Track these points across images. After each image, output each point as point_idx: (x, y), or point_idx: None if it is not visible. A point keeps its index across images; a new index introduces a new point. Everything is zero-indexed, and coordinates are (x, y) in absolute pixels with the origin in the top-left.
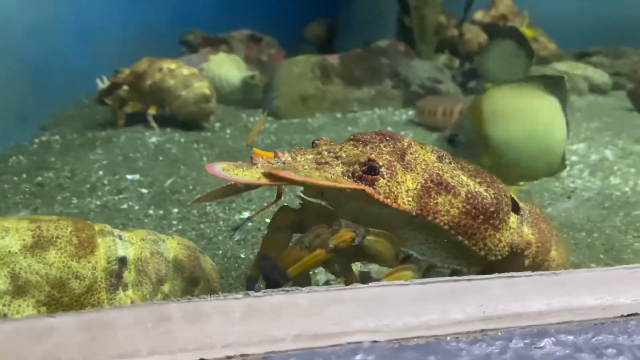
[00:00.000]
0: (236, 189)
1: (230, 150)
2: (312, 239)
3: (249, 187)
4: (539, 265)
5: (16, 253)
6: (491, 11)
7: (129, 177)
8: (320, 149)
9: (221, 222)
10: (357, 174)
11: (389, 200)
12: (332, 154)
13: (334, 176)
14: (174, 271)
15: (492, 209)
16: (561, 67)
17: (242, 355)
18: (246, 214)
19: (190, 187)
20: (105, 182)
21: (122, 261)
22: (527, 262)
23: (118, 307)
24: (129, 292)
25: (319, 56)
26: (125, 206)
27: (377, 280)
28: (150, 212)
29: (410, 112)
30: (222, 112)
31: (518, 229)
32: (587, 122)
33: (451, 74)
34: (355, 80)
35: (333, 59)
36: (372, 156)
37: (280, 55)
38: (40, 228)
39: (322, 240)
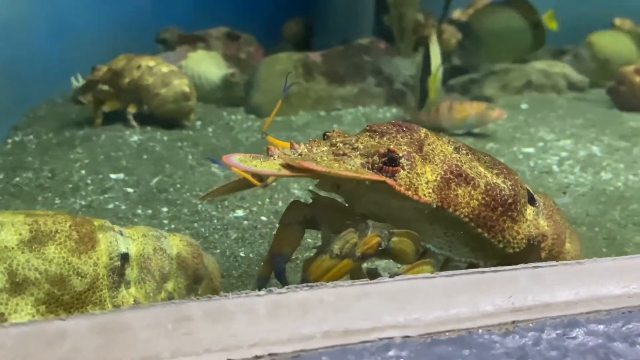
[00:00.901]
0: (248, 183)
1: (215, 148)
2: (342, 246)
3: (261, 179)
4: (554, 257)
5: (13, 248)
6: (469, 10)
7: (113, 176)
8: (334, 140)
9: (215, 221)
10: (376, 165)
11: (410, 192)
12: (348, 145)
13: (354, 167)
14: (177, 268)
15: (510, 200)
16: (539, 65)
17: (270, 354)
18: (239, 212)
19: (178, 185)
20: (89, 181)
21: (124, 257)
22: (543, 254)
23: (134, 307)
24: (132, 289)
25: (301, 53)
26: (111, 206)
27: (395, 274)
28: (139, 211)
29: (395, 110)
30: (202, 110)
31: (534, 221)
32: (571, 118)
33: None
34: (338, 77)
35: (315, 57)
36: (392, 147)
37: (259, 53)
38: (37, 222)
39: (352, 245)
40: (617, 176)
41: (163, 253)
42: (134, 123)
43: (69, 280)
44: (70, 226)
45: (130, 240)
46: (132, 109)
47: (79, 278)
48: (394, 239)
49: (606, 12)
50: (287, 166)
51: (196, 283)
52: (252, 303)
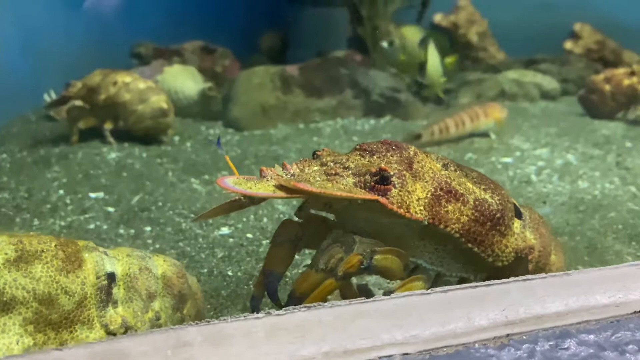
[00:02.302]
0: (240, 204)
1: (195, 163)
2: (327, 261)
3: (253, 202)
4: (541, 269)
5: None
6: (451, 16)
7: (93, 195)
8: (324, 159)
9: (200, 239)
10: (369, 184)
11: (402, 210)
12: (339, 164)
13: (347, 187)
14: (163, 288)
15: (498, 215)
16: (511, 75)
17: None
18: (225, 230)
19: (160, 203)
20: (67, 201)
21: (111, 277)
22: (530, 266)
23: (131, 335)
24: (119, 309)
25: (278, 67)
26: (92, 226)
27: (389, 292)
28: (121, 231)
29: (372, 122)
30: (180, 124)
31: (522, 234)
32: (545, 127)
33: (406, 83)
34: (316, 90)
35: (292, 70)
36: (383, 166)
37: (235, 66)
38: (22, 242)
39: (337, 260)
40: (593, 184)
41: (149, 273)
42: (111, 140)
43: (57, 299)
44: (55, 246)
45: (115, 260)
46: (108, 126)
47: (67, 297)
48: (377, 256)
49: (573, 20)
50: (281, 187)
51: (182, 303)
52: (250, 326)
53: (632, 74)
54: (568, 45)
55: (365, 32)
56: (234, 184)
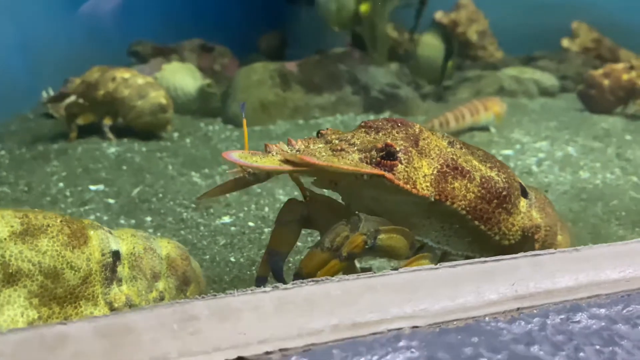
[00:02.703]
0: (245, 182)
1: (195, 158)
2: (332, 239)
3: (258, 179)
4: (547, 248)
5: (5, 239)
6: (451, 14)
7: (93, 187)
8: (329, 137)
9: (202, 228)
10: (374, 159)
11: (408, 185)
12: (344, 141)
13: (354, 162)
14: (167, 268)
15: (504, 192)
16: (510, 72)
17: (281, 350)
18: (226, 219)
19: (160, 195)
20: (67, 193)
21: (116, 255)
22: (537, 245)
23: (136, 309)
24: (124, 287)
25: (277, 63)
26: (92, 217)
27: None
28: (122, 221)
29: (372, 118)
30: (179, 121)
31: (528, 213)
32: (544, 121)
33: (406, 80)
34: (315, 86)
35: (291, 66)
36: (389, 141)
37: (233, 64)
38: (27, 216)
39: (343, 238)
40: (594, 175)
41: (153, 253)
42: (110, 135)
43: (63, 274)
44: (61, 221)
45: (119, 240)
46: (108, 121)
47: (73, 272)
48: (381, 236)
49: (571, 19)
50: (287, 161)
51: (185, 284)
52: (258, 300)
53: (631, 68)
54: (565, 43)
55: (364, 29)
56: (240, 157)
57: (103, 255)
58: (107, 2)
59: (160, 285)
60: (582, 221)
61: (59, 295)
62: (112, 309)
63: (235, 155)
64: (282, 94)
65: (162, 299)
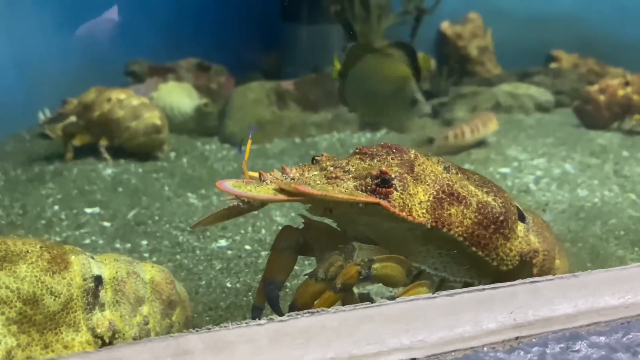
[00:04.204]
0: (238, 211)
1: (191, 178)
2: (326, 270)
3: (252, 207)
4: (546, 273)
5: None
6: (457, 26)
7: (88, 210)
8: (324, 164)
9: (198, 252)
10: (370, 187)
11: (404, 213)
12: (339, 168)
13: (348, 190)
14: (151, 292)
15: (501, 218)
16: (506, 87)
17: None
18: (222, 242)
19: (156, 217)
20: (63, 217)
21: (98, 280)
22: (535, 270)
23: (129, 343)
24: (107, 312)
25: (273, 82)
26: (88, 241)
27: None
28: (117, 245)
29: (368, 135)
30: (175, 140)
31: (525, 238)
32: (541, 137)
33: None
34: (311, 104)
35: (288, 85)
36: (384, 169)
37: (230, 83)
38: (6, 243)
39: (337, 268)
40: (592, 192)
41: (136, 277)
42: (106, 156)
43: (42, 300)
44: (40, 247)
45: (102, 264)
46: (104, 142)
47: (53, 297)
48: (376, 265)
49: (564, 34)
50: (281, 190)
51: (171, 308)
52: (253, 333)
53: (627, 84)
54: (553, 66)
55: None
56: (234, 187)
57: (84, 280)
58: (104, 21)
59: (145, 309)
60: (581, 241)
61: (38, 321)
62: (95, 334)
63: (229, 184)
64: (278, 113)
65: (146, 323)
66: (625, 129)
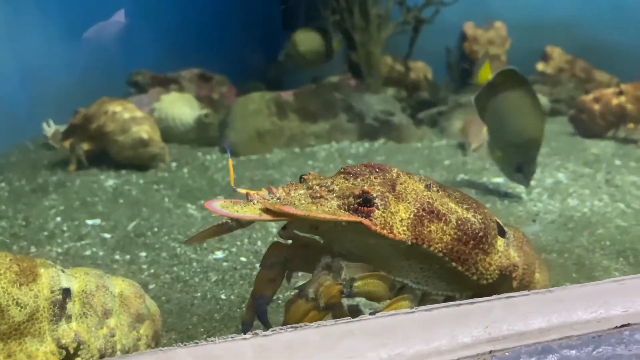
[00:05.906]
0: (228, 228)
1: (191, 189)
2: (316, 289)
3: (241, 225)
4: (525, 287)
5: None
6: (478, 30)
7: (90, 222)
8: (310, 183)
9: (195, 264)
10: (352, 206)
11: (385, 231)
12: (324, 188)
13: (332, 209)
14: (120, 306)
15: (481, 233)
16: None
17: None
18: (219, 254)
19: (156, 229)
20: (65, 228)
21: (66, 292)
22: (515, 284)
23: (117, 358)
24: (73, 324)
25: (273, 93)
26: (88, 252)
27: (375, 312)
28: (117, 257)
29: (367, 145)
30: (177, 151)
31: (505, 252)
32: None
33: (401, 106)
34: (311, 115)
35: (287, 95)
36: (366, 188)
37: (231, 93)
38: None
39: (326, 288)
40: (583, 202)
41: (105, 290)
42: (83, 159)
43: (8, 310)
44: (10, 260)
45: (72, 278)
46: (85, 147)
47: (18, 308)
48: (357, 283)
49: (558, 41)
50: (267, 210)
51: (139, 322)
52: (239, 347)
53: (620, 93)
54: (540, 66)
55: (359, 57)
56: (222, 207)
57: (52, 292)
58: (107, 32)
59: (112, 322)
60: (568, 252)
61: (2, 331)
62: (60, 345)
63: (217, 205)
64: (278, 123)
65: (112, 335)
66: (620, 137)
